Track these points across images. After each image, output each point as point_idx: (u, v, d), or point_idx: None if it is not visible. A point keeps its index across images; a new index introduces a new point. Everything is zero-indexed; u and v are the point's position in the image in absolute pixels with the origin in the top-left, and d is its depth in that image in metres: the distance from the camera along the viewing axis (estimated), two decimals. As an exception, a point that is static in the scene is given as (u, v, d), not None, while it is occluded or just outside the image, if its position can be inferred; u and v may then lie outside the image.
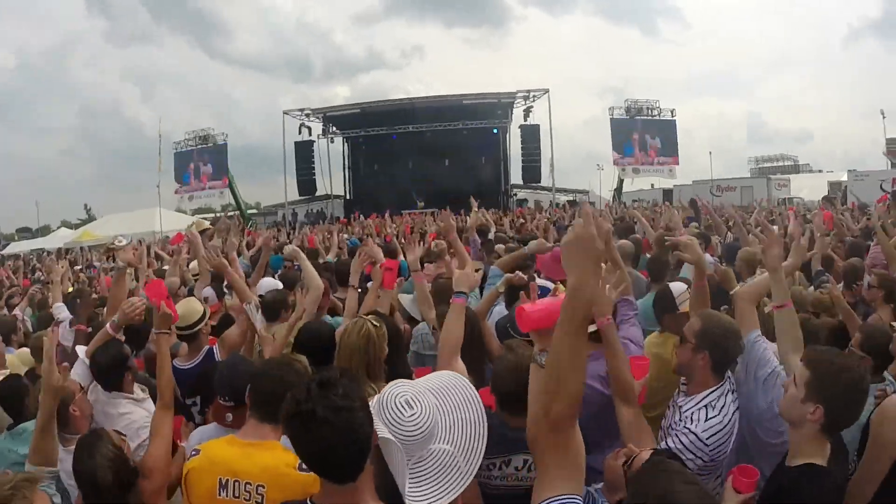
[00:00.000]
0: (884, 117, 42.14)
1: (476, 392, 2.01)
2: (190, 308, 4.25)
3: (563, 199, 36.28)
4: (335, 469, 1.75)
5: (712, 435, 2.77)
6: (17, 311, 7.68)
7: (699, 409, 2.88)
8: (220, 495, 2.37)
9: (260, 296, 4.84)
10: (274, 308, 4.72)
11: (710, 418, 2.82)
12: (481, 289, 4.71)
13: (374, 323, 3.28)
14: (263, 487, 2.35)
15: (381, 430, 1.79)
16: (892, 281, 4.86)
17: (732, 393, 2.98)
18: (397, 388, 1.90)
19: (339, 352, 3.21)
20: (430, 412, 1.85)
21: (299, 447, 1.78)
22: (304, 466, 2.28)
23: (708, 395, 2.93)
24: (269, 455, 2.43)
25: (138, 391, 3.61)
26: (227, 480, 2.40)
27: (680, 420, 2.92)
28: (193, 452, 2.69)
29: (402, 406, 1.83)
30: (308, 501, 1.86)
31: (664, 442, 2.87)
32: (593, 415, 2.92)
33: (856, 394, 2.36)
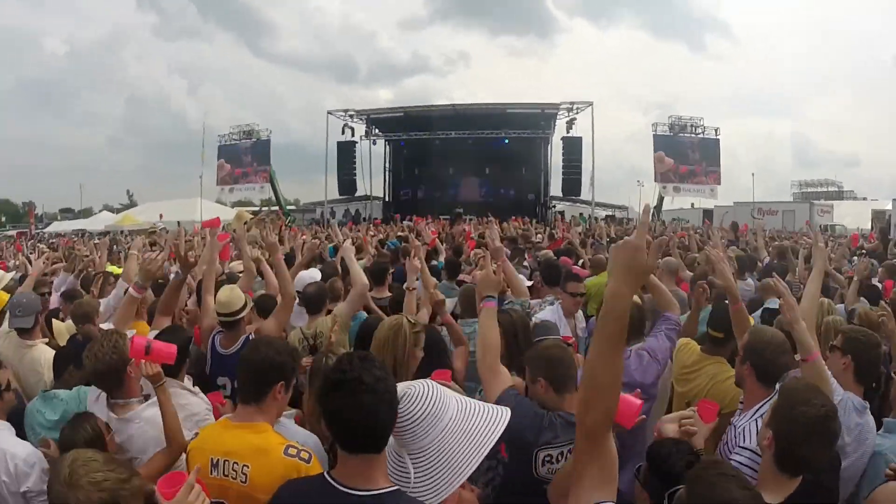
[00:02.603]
0: None
1: (500, 432, 1.96)
2: (234, 295, 4.30)
3: (601, 213, 36.13)
4: (372, 437, 1.81)
5: None
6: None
7: (751, 423, 2.90)
8: (211, 474, 2.47)
9: (298, 291, 4.93)
10: (317, 300, 4.89)
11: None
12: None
13: (410, 320, 3.36)
14: (248, 467, 2.44)
15: None
16: None
17: None
18: (417, 382, 1.96)
19: (374, 341, 3.30)
20: (434, 399, 1.88)
21: (341, 415, 1.80)
22: (290, 451, 2.43)
23: (759, 408, 2.95)
24: (258, 437, 2.53)
25: (187, 381, 3.61)
26: (218, 460, 2.49)
27: (734, 437, 2.94)
28: (192, 436, 2.85)
29: (403, 392, 1.88)
30: (325, 475, 1.90)
31: None
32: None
33: (807, 431, 2.26)
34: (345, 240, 6.59)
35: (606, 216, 34.59)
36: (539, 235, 12.55)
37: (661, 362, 3.67)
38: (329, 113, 38.20)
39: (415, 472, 1.84)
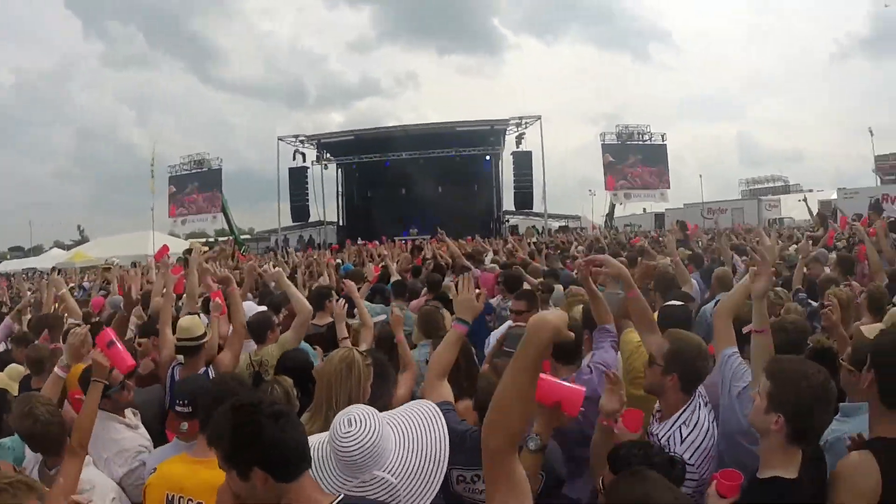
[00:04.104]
0: (872, 135, 42.75)
1: (446, 429, 2.04)
2: (196, 321, 4.29)
3: (555, 224, 36.53)
4: (307, 459, 1.85)
5: (694, 452, 2.82)
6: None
7: (675, 432, 2.91)
8: None
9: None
10: (260, 330, 4.81)
11: (687, 437, 2.88)
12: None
13: (363, 352, 3.29)
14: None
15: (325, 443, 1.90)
16: (881, 293, 5.00)
17: (705, 405, 3.06)
18: (352, 408, 1.97)
19: (319, 377, 3.18)
20: (374, 436, 1.88)
21: (278, 448, 1.79)
22: None
23: (681, 416, 2.97)
24: (212, 473, 2.42)
25: (130, 416, 3.56)
26: (174, 496, 2.52)
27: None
28: (151, 471, 2.83)
29: (343, 423, 1.90)
30: None
31: None
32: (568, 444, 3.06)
33: (816, 400, 2.32)
34: (276, 267, 6.51)
35: (560, 227, 35.01)
36: (491, 254, 12.52)
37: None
38: (280, 139, 37.99)
39: (397, 479, 1.89)
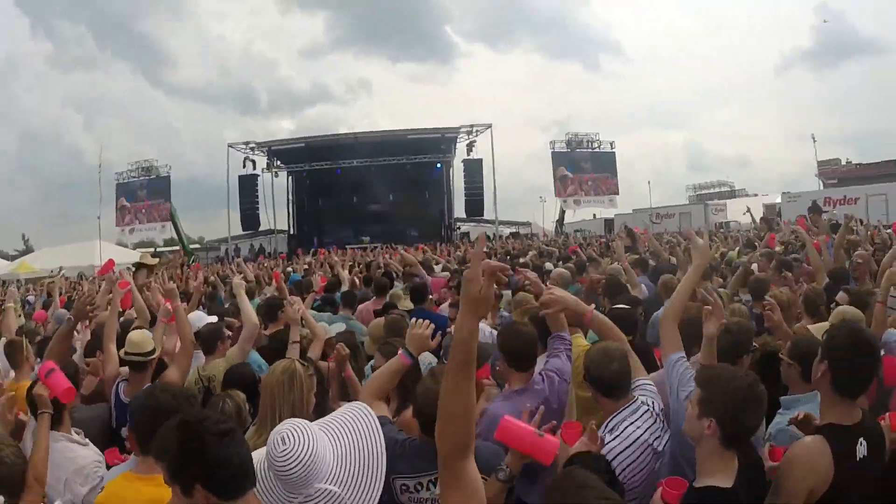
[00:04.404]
0: (815, 141, 45.09)
1: (379, 426, 2.02)
2: (146, 336, 4.20)
3: (506, 231, 36.83)
4: (251, 477, 1.85)
5: (614, 458, 2.85)
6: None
7: (605, 436, 2.95)
8: None
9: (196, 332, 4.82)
10: (210, 341, 4.75)
11: (608, 442, 2.92)
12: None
13: (303, 363, 3.32)
14: None
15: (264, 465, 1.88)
16: (817, 294, 5.15)
17: (646, 413, 3.09)
18: (283, 425, 1.91)
19: (263, 389, 3.17)
20: (309, 450, 1.84)
21: (221, 466, 1.78)
22: None
23: (609, 422, 3.04)
24: (156, 490, 2.40)
25: (74, 433, 3.44)
26: None
27: None
28: (88, 490, 2.88)
29: (277, 442, 1.85)
30: None
31: None
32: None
33: (746, 402, 2.35)
34: (233, 276, 6.41)
35: (511, 233, 35.35)
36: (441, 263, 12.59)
37: (567, 381, 3.68)
38: (230, 146, 37.47)
39: (341, 488, 1.87)
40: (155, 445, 1.96)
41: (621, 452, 2.92)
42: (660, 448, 3.05)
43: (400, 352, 3.18)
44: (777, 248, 9.42)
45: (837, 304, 4.74)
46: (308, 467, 1.83)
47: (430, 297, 7.40)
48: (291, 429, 1.87)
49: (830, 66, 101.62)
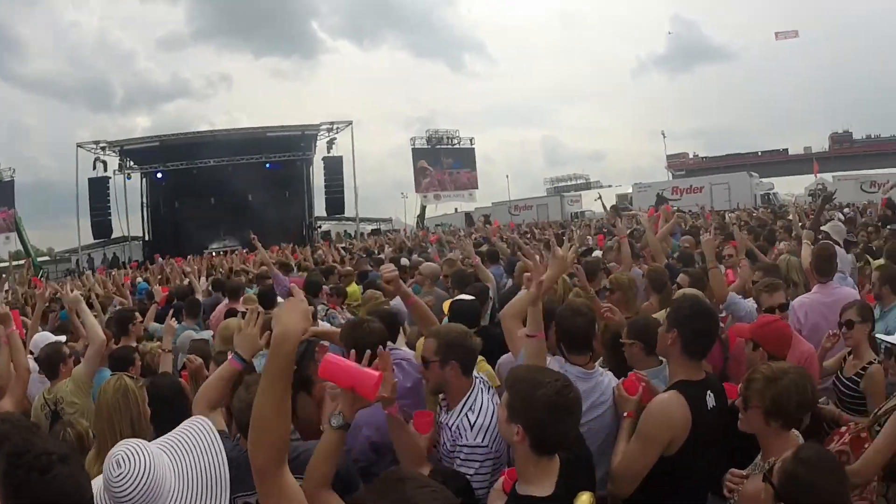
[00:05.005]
0: (664, 137, 50.15)
1: (220, 441, 1.95)
2: None
3: (367, 228, 37.25)
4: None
5: (485, 435, 2.93)
6: None
7: (462, 418, 3.00)
8: None
9: (35, 355, 4.68)
10: (51, 365, 4.45)
11: (475, 422, 2.97)
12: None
13: (132, 376, 3.24)
14: None
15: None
16: (660, 272, 5.57)
17: (487, 390, 3.20)
18: (118, 447, 1.82)
19: (98, 411, 3.08)
20: (147, 472, 1.76)
21: (41, 500, 1.63)
22: None
23: (465, 402, 3.06)
24: None
25: None
26: None
27: (451, 438, 3.02)
28: None
29: (113, 465, 1.77)
30: None
31: (454, 465, 2.94)
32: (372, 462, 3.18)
33: (553, 409, 2.26)
34: (73, 290, 5.99)
35: (372, 230, 35.84)
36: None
37: (416, 368, 3.64)
38: (79, 146, 35.07)
39: None
40: None
41: (489, 427, 2.95)
42: None
43: (230, 356, 2.92)
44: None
45: (679, 286, 5.19)
46: (147, 490, 1.75)
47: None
48: (126, 451, 1.79)
49: (682, 70, 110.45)
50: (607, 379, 3.37)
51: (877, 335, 3.82)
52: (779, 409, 2.54)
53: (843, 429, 3.26)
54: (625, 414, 3.11)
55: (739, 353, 3.94)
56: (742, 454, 2.82)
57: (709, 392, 2.91)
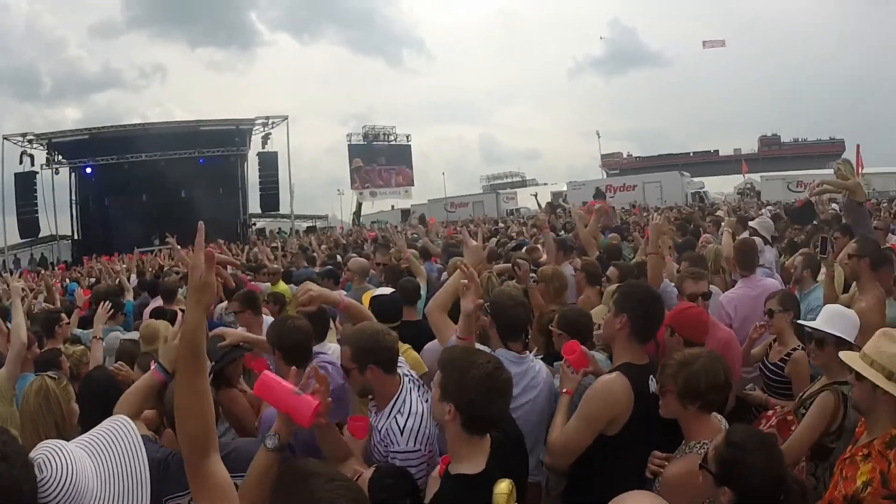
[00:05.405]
0: (599, 137, 52.55)
1: (140, 439, 1.87)
2: None
3: (303, 225, 37.07)
4: None
5: (416, 436, 2.87)
6: None
7: (391, 422, 2.92)
8: None
9: None
10: None
11: (405, 425, 2.89)
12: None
13: (52, 376, 3.16)
14: None
15: None
16: (595, 266, 5.73)
17: (417, 388, 3.12)
18: (37, 451, 1.70)
19: (23, 418, 3.04)
20: (69, 475, 1.65)
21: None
22: None
23: (394, 404, 2.98)
24: None
25: None
26: None
27: (381, 442, 2.93)
28: None
29: (34, 471, 1.65)
30: None
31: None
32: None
33: (485, 390, 2.30)
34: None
35: (308, 227, 35.82)
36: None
37: (340, 374, 3.48)
38: (5, 138, 33.58)
39: None
40: None
41: (419, 429, 2.92)
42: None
43: (153, 366, 2.85)
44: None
45: (609, 280, 5.34)
46: (70, 493, 1.65)
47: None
48: (46, 454, 1.67)
49: (618, 73, 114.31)
50: (539, 365, 3.49)
51: (800, 322, 3.91)
52: (690, 391, 2.64)
53: (770, 412, 3.46)
54: (563, 391, 3.18)
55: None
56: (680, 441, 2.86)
57: (651, 377, 2.98)
